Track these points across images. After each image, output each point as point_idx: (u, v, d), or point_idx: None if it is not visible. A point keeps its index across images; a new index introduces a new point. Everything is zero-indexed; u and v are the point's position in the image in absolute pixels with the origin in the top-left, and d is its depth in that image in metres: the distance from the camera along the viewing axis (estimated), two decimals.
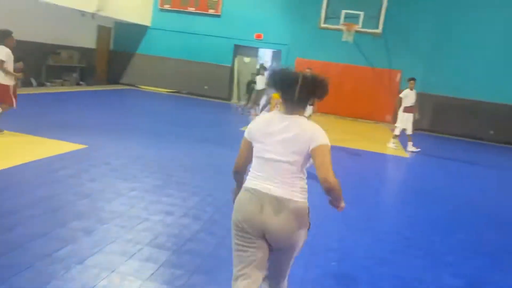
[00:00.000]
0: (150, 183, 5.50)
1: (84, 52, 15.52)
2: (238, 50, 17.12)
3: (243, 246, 2.37)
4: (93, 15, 14.03)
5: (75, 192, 4.82)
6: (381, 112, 15.69)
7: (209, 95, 17.13)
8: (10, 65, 6.66)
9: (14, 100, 6.83)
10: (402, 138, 10.77)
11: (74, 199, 4.61)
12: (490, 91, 14.73)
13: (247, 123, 11.83)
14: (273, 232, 2.29)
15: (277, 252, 2.40)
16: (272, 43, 16.62)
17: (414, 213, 5.80)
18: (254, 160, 2.45)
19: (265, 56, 18.12)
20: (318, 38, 15.62)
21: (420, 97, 15.03)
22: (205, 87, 17.24)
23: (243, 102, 14.77)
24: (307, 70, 4.78)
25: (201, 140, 8.68)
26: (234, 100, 17.31)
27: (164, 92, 17.37)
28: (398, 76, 15.47)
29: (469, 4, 14.66)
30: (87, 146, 6.81)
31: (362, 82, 15.78)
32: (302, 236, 2.35)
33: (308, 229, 2.39)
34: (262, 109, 12.96)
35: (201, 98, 16.86)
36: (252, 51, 17.25)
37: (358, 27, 13.71)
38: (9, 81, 6.71)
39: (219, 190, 5.54)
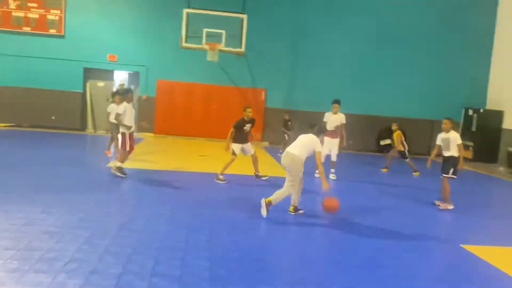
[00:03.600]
0: (4, 268, 3.95)
1: None
2: (90, 73, 15.25)
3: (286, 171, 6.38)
4: None
5: None
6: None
7: (58, 127, 14.85)
8: (125, 117, 8.28)
9: (127, 145, 8.34)
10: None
11: None
12: (346, 103, 15.49)
13: (113, 158, 10.25)
14: (285, 164, 6.34)
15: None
16: (129, 65, 15.21)
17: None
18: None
19: (122, 78, 16.55)
20: (180, 58, 14.77)
21: (285, 113, 15.30)
22: (53, 117, 14.94)
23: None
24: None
25: (62, 188, 7.02)
26: (90, 129, 15.33)
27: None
28: (263, 94, 15.48)
29: (317, 25, 15.40)
30: None
31: (228, 102, 15.40)
32: (296, 167, 6.23)
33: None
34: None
35: (48, 130, 14.51)
36: (107, 74, 15.54)
37: (221, 46, 13.27)
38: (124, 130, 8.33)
39: (105, 261, 4.26)
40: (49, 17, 14.70)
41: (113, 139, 10.45)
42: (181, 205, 6.62)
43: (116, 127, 9.91)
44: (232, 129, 8.50)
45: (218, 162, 10.98)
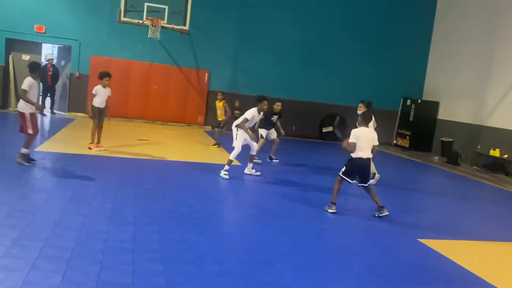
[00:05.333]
0: None
1: None
2: (14, 45, 13.71)
3: None
4: None
5: None
6: (192, 114, 14.85)
7: None
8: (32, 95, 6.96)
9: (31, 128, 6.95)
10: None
11: None
12: (289, 89, 15.43)
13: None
14: None
15: None
16: (59, 38, 13.87)
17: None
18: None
19: (50, 53, 15.14)
20: (117, 34, 13.72)
21: (229, 96, 14.83)
22: None
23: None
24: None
25: None
26: (13, 107, 13.85)
27: None
28: (206, 76, 14.85)
29: (264, 7, 14.98)
30: None
31: (170, 82, 14.62)
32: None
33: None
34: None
35: None
36: (34, 47, 14.06)
37: (164, 22, 12.45)
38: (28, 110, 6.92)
39: (41, 268, 3.60)
40: None
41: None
42: (124, 197, 5.96)
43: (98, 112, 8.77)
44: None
45: (158, 147, 10.35)
